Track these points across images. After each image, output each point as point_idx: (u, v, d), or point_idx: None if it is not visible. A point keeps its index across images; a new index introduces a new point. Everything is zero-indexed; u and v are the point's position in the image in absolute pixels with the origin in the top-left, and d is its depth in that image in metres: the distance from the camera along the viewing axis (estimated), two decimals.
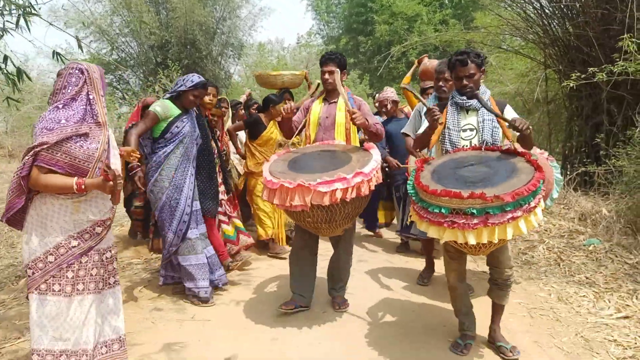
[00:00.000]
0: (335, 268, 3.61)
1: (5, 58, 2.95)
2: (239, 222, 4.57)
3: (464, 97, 2.83)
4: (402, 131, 4.02)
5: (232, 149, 5.28)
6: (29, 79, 3.27)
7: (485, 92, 2.89)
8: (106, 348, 2.49)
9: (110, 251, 2.50)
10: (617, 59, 5.47)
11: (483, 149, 2.73)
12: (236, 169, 5.50)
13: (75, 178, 2.24)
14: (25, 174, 2.20)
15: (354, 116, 3.23)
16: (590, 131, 7.00)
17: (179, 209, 3.54)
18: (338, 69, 3.45)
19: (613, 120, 6.62)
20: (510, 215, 2.26)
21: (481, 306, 3.17)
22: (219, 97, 4.85)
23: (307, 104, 3.68)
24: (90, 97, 2.33)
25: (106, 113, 2.39)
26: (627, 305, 3.49)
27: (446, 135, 2.88)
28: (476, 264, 4.45)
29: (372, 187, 2.96)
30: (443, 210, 2.34)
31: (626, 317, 3.32)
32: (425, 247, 4.22)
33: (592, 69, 5.68)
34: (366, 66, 21.14)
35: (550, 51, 8.02)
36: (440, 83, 3.69)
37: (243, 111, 5.79)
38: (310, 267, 3.53)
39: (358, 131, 3.63)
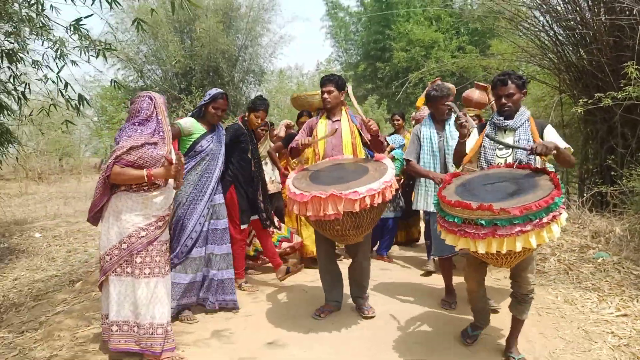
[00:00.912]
0: (357, 274, 3.83)
1: (66, 85, 3.35)
2: (258, 244, 4.84)
3: (502, 118, 3.00)
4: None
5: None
6: (89, 104, 3.66)
7: (524, 113, 3.03)
8: (165, 328, 2.93)
9: (166, 243, 3.01)
10: (623, 85, 5.70)
11: (515, 166, 2.87)
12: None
13: (145, 170, 2.79)
14: (108, 174, 2.76)
15: (370, 124, 3.56)
16: (605, 154, 7.14)
17: (189, 225, 3.62)
18: (336, 89, 3.75)
19: (627, 144, 6.78)
20: (518, 229, 2.35)
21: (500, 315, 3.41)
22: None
23: (310, 123, 3.92)
24: (159, 118, 2.93)
25: (170, 130, 2.99)
26: (628, 306, 3.73)
27: (482, 153, 3.06)
28: (490, 273, 4.58)
29: (393, 192, 3.23)
30: (456, 220, 2.52)
31: (625, 315, 3.58)
32: (444, 273, 4.13)
33: (598, 94, 5.91)
34: (384, 91, 21.48)
35: (564, 77, 8.23)
36: (447, 106, 3.86)
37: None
38: (337, 276, 3.87)
39: (363, 146, 3.85)
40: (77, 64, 3.27)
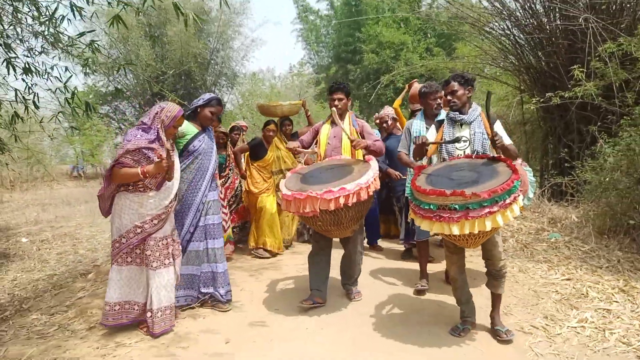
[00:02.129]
0: (346, 265, 4.15)
1: (73, 94, 3.62)
2: (230, 232, 5.44)
3: (457, 113, 3.35)
4: (398, 149, 4.47)
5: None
6: (95, 111, 3.93)
7: (476, 109, 3.35)
8: (161, 312, 3.35)
9: (166, 239, 3.38)
10: (572, 86, 6.30)
11: (474, 157, 3.22)
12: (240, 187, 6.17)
13: (139, 167, 3.18)
14: (108, 174, 3.19)
15: (354, 144, 3.92)
16: (563, 149, 7.73)
17: (187, 221, 3.78)
18: (345, 97, 4.11)
19: (583, 138, 7.37)
20: (487, 210, 2.66)
21: (481, 294, 3.87)
22: (233, 125, 5.86)
23: (316, 126, 4.31)
24: (157, 127, 3.32)
25: (169, 140, 3.40)
26: (572, 272, 4.43)
27: (443, 146, 3.39)
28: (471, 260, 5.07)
29: (371, 192, 3.51)
30: (431, 207, 2.81)
31: (569, 279, 4.29)
32: (420, 256, 4.48)
33: (548, 94, 6.47)
34: (355, 93, 21.86)
35: (524, 77, 8.83)
36: (435, 101, 4.33)
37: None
38: (324, 266, 4.04)
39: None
40: (88, 75, 3.56)
